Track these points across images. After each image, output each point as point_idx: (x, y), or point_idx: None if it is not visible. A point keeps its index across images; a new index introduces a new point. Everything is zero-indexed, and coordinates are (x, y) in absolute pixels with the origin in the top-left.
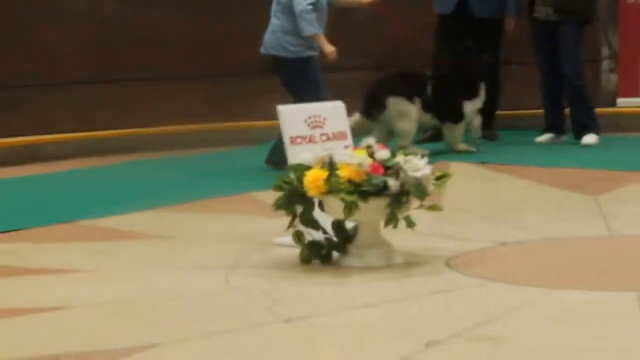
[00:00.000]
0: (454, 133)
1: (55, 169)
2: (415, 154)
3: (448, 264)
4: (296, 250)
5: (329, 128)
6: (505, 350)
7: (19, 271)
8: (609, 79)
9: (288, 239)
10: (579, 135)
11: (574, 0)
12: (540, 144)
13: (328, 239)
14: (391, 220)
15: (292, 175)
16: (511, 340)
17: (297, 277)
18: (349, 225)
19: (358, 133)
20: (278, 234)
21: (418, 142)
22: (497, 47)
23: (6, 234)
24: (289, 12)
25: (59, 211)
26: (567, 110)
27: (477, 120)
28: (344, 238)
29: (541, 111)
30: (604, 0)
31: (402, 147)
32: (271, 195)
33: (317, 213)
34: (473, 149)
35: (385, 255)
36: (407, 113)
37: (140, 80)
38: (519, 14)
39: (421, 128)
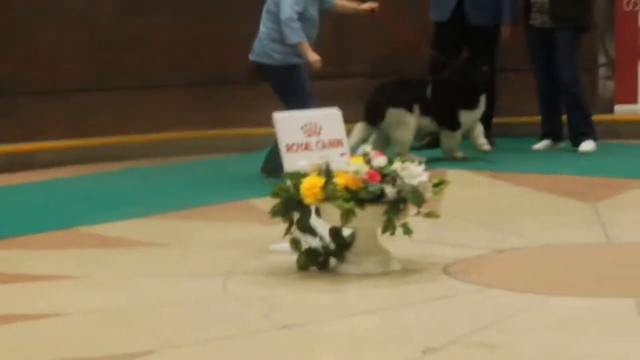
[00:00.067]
0: (452, 140)
1: (51, 176)
2: (412, 161)
3: (445, 270)
4: (293, 257)
5: (325, 135)
6: (503, 357)
7: (13, 278)
8: (606, 86)
9: (285, 245)
10: (576, 143)
11: (570, 8)
12: (538, 151)
13: (325, 246)
14: (388, 227)
15: (288, 183)
16: (508, 347)
17: (294, 284)
18: (346, 232)
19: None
20: (275, 241)
21: (415, 149)
22: (492, 54)
23: (1, 241)
24: (276, 20)
25: (54, 218)
26: (564, 118)
27: (478, 130)
28: (341, 245)
29: (538, 118)
30: (600, 7)
31: (399, 155)
32: (268, 203)
33: (314, 220)
34: (482, 145)
35: (383, 262)
36: (405, 122)
37: (137, 87)
38: (515, 22)
39: (419, 133)
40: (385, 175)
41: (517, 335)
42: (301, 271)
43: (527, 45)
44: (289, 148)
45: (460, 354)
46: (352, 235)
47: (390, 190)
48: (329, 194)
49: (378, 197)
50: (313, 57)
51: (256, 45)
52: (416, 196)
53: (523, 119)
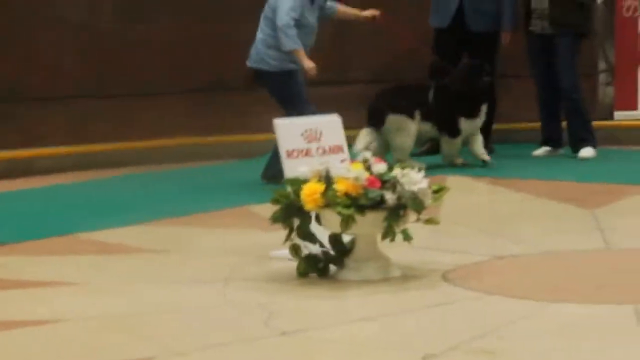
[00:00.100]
0: (452, 147)
1: (51, 182)
2: (412, 168)
3: (445, 277)
4: (293, 264)
5: (326, 141)
6: None
7: (13, 284)
8: (606, 92)
9: (285, 252)
10: (576, 149)
11: (570, 14)
12: (538, 157)
13: (325, 253)
14: (388, 233)
15: (289, 189)
16: (508, 354)
17: (294, 291)
18: (346, 238)
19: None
20: (275, 248)
21: (415, 155)
22: (492, 60)
23: (1, 247)
24: (273, 26)
25: (54, 224)
26: (564, 124)
27: (478, 140)
28: (341, 251)
29: (538, 124)
30: (600, 14)
31: (399, 161)
32: (268, 209)
33: (314, 226)
34: (483, 157)
35: (383, 268)
36: (405, 129)
37: (137, 93)
38: (515, 28)
39: (419, 139)
40: (385, 182)
41: (516, 342)
42: (301, 278)
43: (527, 52)
44: (289, 154)
45: None
46: (352, 242)
47: (390, 197)
48: (329, 200)
49: (378, 204)
50: (308, 64)
51: (253, 51)
52: (416, 203)
53: (523, 125)
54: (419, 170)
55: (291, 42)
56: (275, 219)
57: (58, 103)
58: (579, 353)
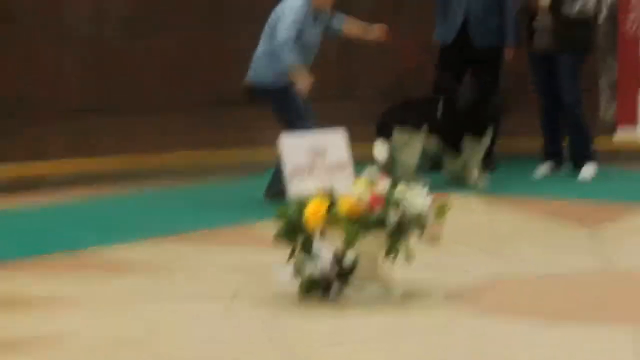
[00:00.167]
0: (455, 164)
1: (55, 198)
2: (416, 185)
3: (447, 297)
4: (296, 282)
5: (330, 158)
6: None
7: (17, 301)
8: (608, 109)
9: (288, 270)
10: (577, 165)
11: (573, 31)
12: (539, 174)
13: (327, 272)
14: (391, 252)
15: (292, 207)
16: None
17: (297, 310)
18: (348, 257)
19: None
20: (278, 266)
21: (419, 171)
22: (496, 76)
23: (5, 264)
24: (273, 41)
25: (58, 241)
26: (565, 140)
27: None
28: (344, 270)
29: (540, 141)
30: (602, 30)
31: (403, 178)
32: (271, 226)
33: (317, 245)
34: (477, 180)
35: (385, 288)
36: (410, 145)
37: (140, 109)
38: (518, 44)
39: (424, 156)
40: (389, 200)
41: None
42: (304, 296)
43: (530, 68)
44: (293, 170)
45: None
46: (355, 261)
47: (392, 215)
48: (332, 218)
49: (381, 222)
50: (302, 83)
51: (252, 65)
52: (418, 221)
53: (525, 141)
54: (422, 187)
55: (289, 58)
56: (278, 236)
57: (63, 118)
58: None
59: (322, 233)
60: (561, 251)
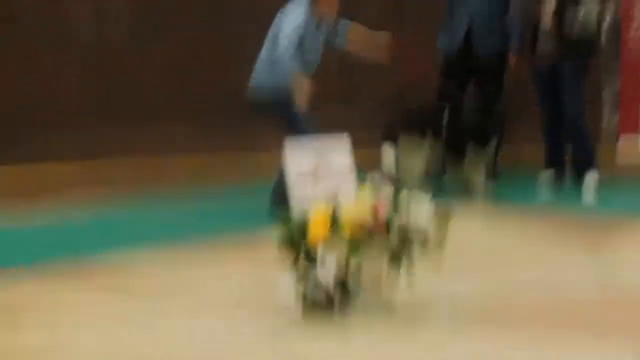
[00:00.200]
0: (460, 172)
1: (55, 204)
2: (419, 193)
3: (451, 315)
4: (298, 302)
5: (334, 164)
6: None
7: (19, 309)
8: (611, 119)
9: (290, 289)
10: (579, 175)
11: (576, 40)
12: (541, 183)
13: (330, 290)
14: (394, 263)
15: (296, 215)
16: None
17: (299, 330)
18: (350, 276)
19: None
20: (280, 279)
21: (424, 178)
22: (500, 85)
23: (7, 270)
24: (274, 48)
25: (59, 248)
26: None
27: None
28: (347, 290)
29: (542, 149)
30: (606, 39)
31: (407, 186)
32: (274, 235)
33: (320, 255)
34: (480, 189)
35: (387, 308)
36: (415, 152)
37: (144, 114)
38: (522, 52)
39: (429, 163)
40: (392, 208)
41: None
42: (306, 316)
43: (533, 76)
44: (297, 177)
45: None
46: (357, 280)
47: (397, 222)
48: (335, 232)
49: (383, 241)
50: (300, 96)
51: (255, 70)
52: (421, 237)
53: (528, 149)
54: (425, 196)
55: (291, 65)
56: (281, 246)
57: (63, 121)
58: None
59: (326, 242)
60: (562, 266)
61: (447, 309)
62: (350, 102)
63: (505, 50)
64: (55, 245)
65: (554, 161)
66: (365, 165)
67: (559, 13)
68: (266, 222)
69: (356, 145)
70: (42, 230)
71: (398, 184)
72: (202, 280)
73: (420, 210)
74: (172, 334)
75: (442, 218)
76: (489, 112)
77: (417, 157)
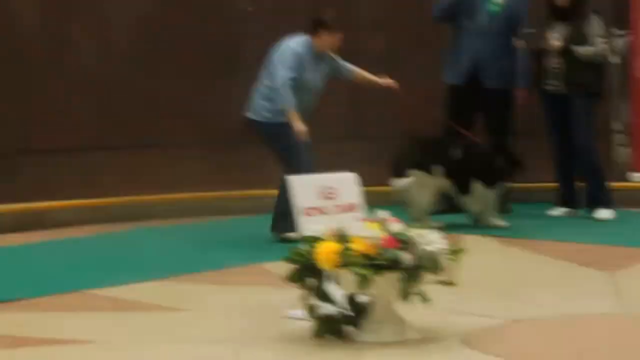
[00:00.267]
0: (473, 204)
1: (62, 236)
2: (429, 226)
3: (463, 340)
4: (309, 324)
5: (341, 199)
6: None
7: (24, 341)
8: (621, 153)
9: (300, 312)
10: (592, 210)
11: (584, 74)
12: (554, 217)
13: (341, 313)
14: (405, 294)
15: (304, 248)
16: None
17: (310, 352)
18: (362, 299)
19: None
20: (290, 307)
21: (433, 213)
22: (507, 118)
23: (9, 304)
24: (270, 79)
25: (64, 280)
26: (580, 184)
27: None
28: (358, 312)
29: (554, 184)
30: (615, 73)
31: (416, 219)
32: (282, 266)
33: (330, 286)
34: (499, 223)
35: (399, 330)
36: (424, 186)
37: (147, 146)
38: (529, 85)
39: (440, 196)
40: (402, 242)
41: None
42: (317, 339)
43: (543, 110)
44: (304, 211)
45: None
46: (369, 303)
47: (407, 257)
48: (345, 260)
49: (394, 264)
50: (298, 126)
51: (251, 101)
52: (433, 263)
53: (539, 184)
54: (436, 229)
55: (285, 100)
56: (291, 278)
57: (69, 155)
58: None
59: (335, 274)
60: (576, 295)
61: (460, 332)
62: (360, 138)
63: (512, 82)
64: (60, 277)
65: (567, 197)
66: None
67: (567, 47)
68: (273, 253)
69: (366, 180)
70: (47, 262)
71: (408, 217)
72: (210, 308)
73: (430, 240)
74: None
75: (454, 251)
76: (498, 148)
77: (426, 191)
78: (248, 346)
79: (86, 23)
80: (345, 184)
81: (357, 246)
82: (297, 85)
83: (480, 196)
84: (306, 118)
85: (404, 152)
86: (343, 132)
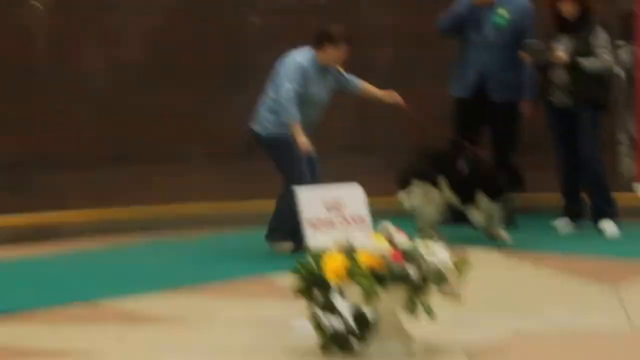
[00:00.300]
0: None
1: (73, 248)
2: (435, 239)
3: (469, 354)
4: (314, 337)
5: (348, 211)
6: None
7: (33, 352)
8: (627, 165)
9: (307, 325)
10: (597, 222)
11: (590, 86)
12: (559, 229)
13: (347, 327)
14: (411, 308)
15: (311, 261)
16: None
17: None
18: (368, 312)
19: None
20: (296, 319)
21: (440, 225)
22: (514, 130)
23: (20, 315)
24: (276, 92)
25: (74, 291)
26: (585, 196)
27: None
28: (364, 325)
29: (559, 196)
30: (620, 86)
31: (421, 230)
32: (289, 279)
33: (336, 299)
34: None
35: (405, 344)
36: (429, 198)
37: (158, 159)
38: (535, 98)
39: (446, 208)
40: (408, 255)
41: None
42: (323, 352)
43: (548, 123)
44: (311, 223)
45: None
46: (375, 316)
47: (412, 271)
48: (351, 273)
49: (401, 277)
50: (301, 140)
51: (256, 114)
52: (439, 277)
53: (544, 196)
54: (441, 242)
55: (288, 114)
56: (297, 290)
57: (80, 168)
58: None
59: (341, 287)
60: (582, 308)
61: (466, 346)
62: (367, 151)
63: (518, 95)
64: (69, 289)
65: (572, 208)
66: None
67: (573, 60)
68: (280, 265)
69: (372, 192)
70: (57, 273)
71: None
72: (217, 321)
73: (436, 254)
74: None
75: (460, 263)
76: (503, 161)
77: (432, 202)
78: (255, 358)
79: (96, 38)
80: (352, 196)
81: (364, 259)
82: (302, 98)
83: (485, 209)
84: (312, 131)
85: (411, 164)
86: (349, 144)
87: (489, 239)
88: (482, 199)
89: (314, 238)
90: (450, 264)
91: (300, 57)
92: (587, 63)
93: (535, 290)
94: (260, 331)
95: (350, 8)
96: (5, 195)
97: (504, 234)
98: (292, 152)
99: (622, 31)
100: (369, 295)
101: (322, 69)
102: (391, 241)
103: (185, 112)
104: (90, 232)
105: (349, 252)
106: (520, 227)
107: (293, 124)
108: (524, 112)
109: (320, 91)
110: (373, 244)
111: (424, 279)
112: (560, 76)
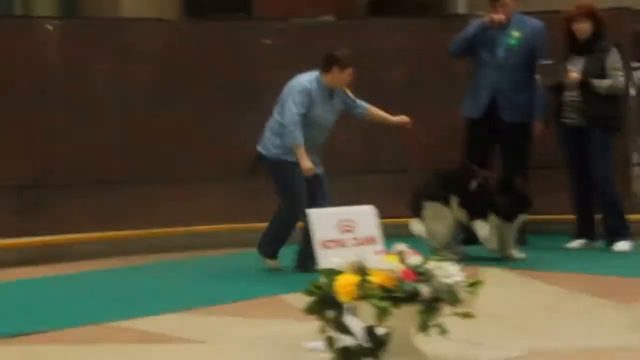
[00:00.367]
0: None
1: (82, 269)
2: (447, 259)
3: None
4: (328, 357)
5: (360, 232)
6: None
7: None
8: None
9: (319, 344)
10: (610, 242)
11: (602, 107)
12: (572, 249)
13: (360, 345)
14: (423, 326)
15: (323, 280)
16: None
17: None
18: (381, 331)
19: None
20: (308, 339)
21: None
22: (525, 151)
23: (33, 336)
24: (281, 115)
25: (85, 312)
26: (598, 216)
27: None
28: (376, 344)
29: (572, 216)
30: (633, 106)
31: (433, 249)
32: (301, 298)
33: (348, 318)
34: (517, 255)
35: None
36: (441, 217)
37: (168, 180)
38: (547, 119)
39: (459, 227)
40: (420, 274)
41: None
42: None
43: (560, 143)
44: (323, 244)
45: None
46: (387, 335)
47: (425, 290)
48: (364, 292)
49: (413, 296)
50: (305, 164)
51: (262, 135)
52: (451, 296)
53: (557, 217)
54: (454, 261)
55: (293, 138)
56: (309, 310)
57: (90, 190)
58: None
59: (353, 306)
60: (594, 328)
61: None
62: (376, 172)
63: (530, 115)
64: (80, 310)
65: (584, 228)
66: (393, 233)
67: (586, 82)
68: (293, 285)
69: (383, 213)
70: (68, 295)
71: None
72: (230, 341)
73: (448, 273)
74: None
75: (471, 283)
76: (508, 182)
77: (444, 222)
78: None
79: (107, 58)
80: (364, 217)
81: (376, 278)
82: (307, 121)
83: (496, 228)
84: (318, 152)
85: (421, 187)
86: (360, 166)
87: (500, 258)
88: (493, 219)
89: (326, 259)
90: (462, 282)
91: (306, 79)
92: (600, 84)
93: (547, 309)
94: (273, 351)
95: (359, 29)
96: (14, 218)
97: (517, 253)
98: (293, 176)
99: (636, 52)
100: (381, 314)
101: (328, 92)
102: (403, 260)
103: (199, 133)
104: (104, 253)
105: (361, 271)
106: (532, 247)
107: (297, 147)
108: (536, 132)
109: (325, 113)
110: (385, 263)
111: (437, 298)
112: (573, 97)
